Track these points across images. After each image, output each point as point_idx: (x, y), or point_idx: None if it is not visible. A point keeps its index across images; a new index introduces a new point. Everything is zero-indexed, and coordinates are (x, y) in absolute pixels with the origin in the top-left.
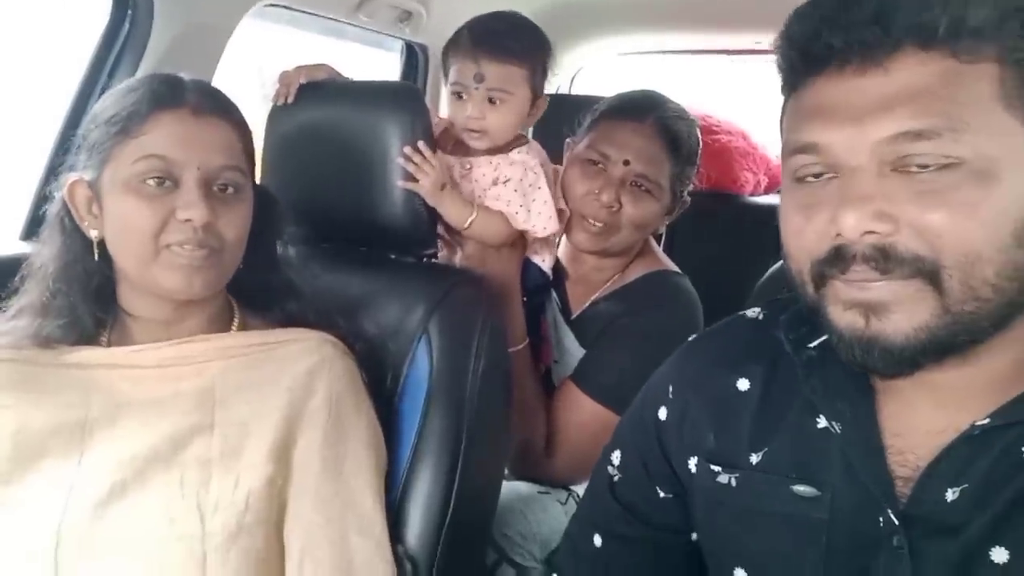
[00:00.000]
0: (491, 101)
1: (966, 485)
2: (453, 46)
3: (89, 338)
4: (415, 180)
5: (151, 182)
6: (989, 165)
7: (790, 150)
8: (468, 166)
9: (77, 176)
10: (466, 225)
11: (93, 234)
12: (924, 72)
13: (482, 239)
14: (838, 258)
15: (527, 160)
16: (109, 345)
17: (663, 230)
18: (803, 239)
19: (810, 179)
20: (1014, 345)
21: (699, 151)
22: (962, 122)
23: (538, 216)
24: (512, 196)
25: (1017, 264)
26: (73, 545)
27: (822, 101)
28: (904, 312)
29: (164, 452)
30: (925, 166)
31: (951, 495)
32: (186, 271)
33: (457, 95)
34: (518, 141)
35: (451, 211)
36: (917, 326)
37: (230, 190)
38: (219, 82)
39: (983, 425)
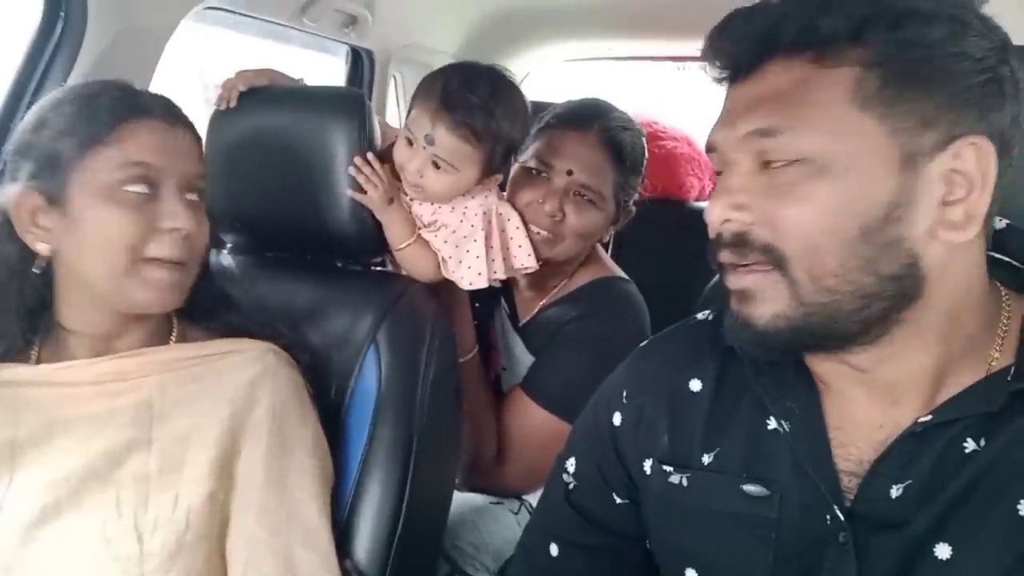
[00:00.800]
0: (435, 165)
1: (910, 481)
2: (424, 86)
3: (17, 354)
4: (363, 191)
5: (133, 190)
6: (833, 162)
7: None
8: (408, 196)
9: (23, 186)
10: (400, 247)
11: (41, 247)
12: (785, 77)
13: (409, 269)
14: (715, 246)
15: (468, 208)
16: (39, 361)
17: (608, 238)
18: (709, 231)
19: (717, 175)
20: (931, 343)
21: (644, 161)
22: (806, 121)
23: (467, 270)
24: (443, 247)
25: (866, 258)
26: (1, 570)
27: (723, 107)
28: (764, 300)
29: (100, 470)
30: (777, 162)
31: (896, 491)
32: (163, 288)
33: (408, 140)
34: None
35: (393, 229)
36: (775, 313)
37: (198, 199)
38: (158, 86)
39: (926, 422)
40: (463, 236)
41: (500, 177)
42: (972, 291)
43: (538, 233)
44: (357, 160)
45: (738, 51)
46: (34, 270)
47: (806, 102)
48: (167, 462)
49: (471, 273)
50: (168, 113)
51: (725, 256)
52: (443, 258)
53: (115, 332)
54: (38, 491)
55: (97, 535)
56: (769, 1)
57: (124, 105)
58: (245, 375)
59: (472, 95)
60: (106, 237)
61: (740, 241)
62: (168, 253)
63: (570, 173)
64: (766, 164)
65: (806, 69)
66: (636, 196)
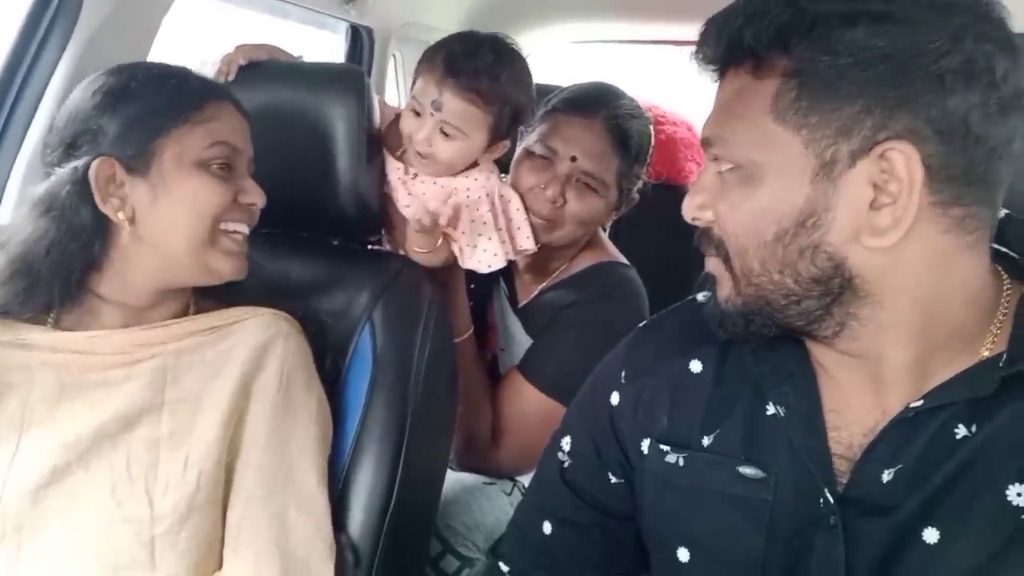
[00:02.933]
0: (444, 132)
1: (901, 466)
2: (427, 58)
3: (39, 317)
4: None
5: (218, 167)
6: (755, 170)
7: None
8: (412, 175)
9: (105, 155)
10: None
11: (120, 216)
12: (730, 87)
13: (429, 263)
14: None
15: (472, 190)
16: (57, 325)
17: (608, 224)
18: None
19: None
20: (910, 339)
21: (650, 149)
22: (731, 132)
23: (483, 253)
24: (459, 237)
25: (784, 261)
26: (10, 530)
27: None
28: (720, 286)
29: (111, 432)
30: (723, 167)
31: (886, 476)
32: (237, 257)
33: (414, 111)
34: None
35: (433, 261)
36: (725, 297)
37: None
38: (156, 59)
39: (917, 407)
40: (471, 221)
41: (507, 144)
42: (952, 286)
43: (538, 218)
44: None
45: (709, 58)
46: (113, 240)
47: (736, 113)
48: (178, 424)
49: (488, 256)
50: (236, 99)
51: (701, 245)
52: (460, 248)
53: (150, 304)
54: (49, 452)
55: (107, 496)
56: (734, 4)
57: (208, 86)
58: (257, 338)
59: (477, 59)
60: (195, 206)
61: (703, 234)
62: (243, 225)
63: (574, 160)
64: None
65: (743, 80)
66: (640, 184)
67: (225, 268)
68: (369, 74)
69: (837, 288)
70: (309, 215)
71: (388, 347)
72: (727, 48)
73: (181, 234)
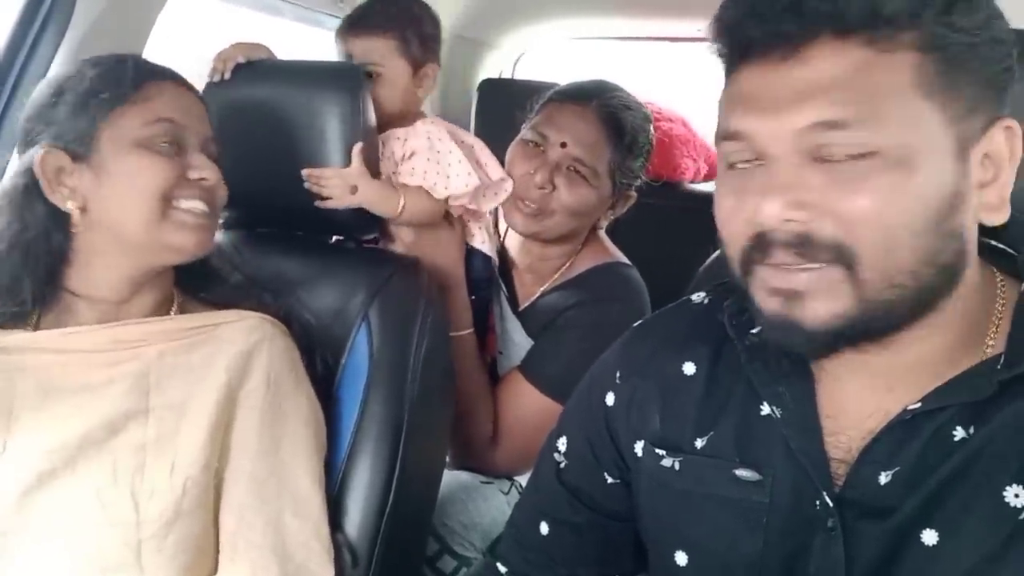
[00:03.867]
0: (369, 75)
1: (899, 468)
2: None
3: (15, 320)
4: (324, 199)
5: (163, 144)
6: (905, 153)
7: (720, 136)
8: (381, 143)
9: (50, 145)
10: (399, 211)
11: (70, 205)
12: (840, 62)
13: (415, 221)
14: (761, 245)
15: (431, 129)
16: (37, 327)
17: (604, 223)
18: (732, 226)
19: (740, 165)
20: (941, 330)
21: (648, 146)
22: (877, 112)
23: (456, 177)
24: (425, 165)
25: (932, 250)
26: None
27: (746, 89)
28: (820, 301)
29: (97, 438)
30: (842, 155)
31: (884, 478)
32: (196, 229)
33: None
34: (419, 116)
35: (379, 204)
36: (833, 313)
37: (214, 161)
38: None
39: (915, 409)
40: (436, 151)
41: (437, 68)
42: (973, 276)
43: (528, 207)
44: (305, 172)
45: (780, 26)
46: (71, 230)
47: (872, 90)
48: (163, 430)
49: (462, 179)
50: (181, 78)
51: (780, 257)
52: (431, 185)
53: (126, 297)
54: (34, 458)
55: (93, 500)
56: None
57: (145, 67)
58: (241, 344)
59: (369, 3)
60: (140, 185)
61: (803, 241)
62: (196, 203)
63: (564, 146)
64: (822, 157)
65: (863, 53)
66: (638, 182)
67: (185, 242)
68: None
69: (957, 276)
70: (305, 214)
71: (384, 346)
72: (827, 18)
73: (131, 214)
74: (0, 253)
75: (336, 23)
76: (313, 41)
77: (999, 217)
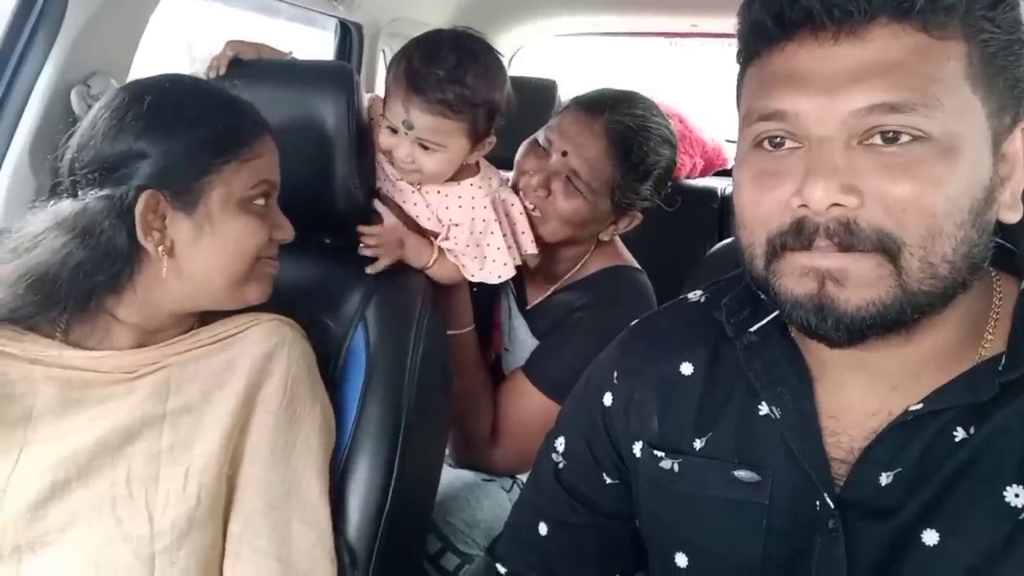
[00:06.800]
0: (423, 147)
1: (900, 469)
2: (390, 72)
3: (48, 326)
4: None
5: (258, 204)
6: (954, 142)
7: (755, 117)
8: (417, 186)
9: (153, 189)
10: (429, 265)
11: (159, 250)
12: (898, 45)
13: (436, 277)
14: (800, 231)
15: (476, 196)
16: (66, 340)
17: (608, 237)
18: (760, 210)
19: (768, 147)
20: (947, 326)
21: (659, 170)
22: (934, 98)
23: (492, 264)
24: (466, 239)
25: (970, 242)
26: (9, 548)
27: (794, 68)
28: (859, 287)
29: (111, 444)
30: (893, 140)
31: (885, 479)
32: (268, 282)
33: (390, 128)
34: (469, 170)
35: (412, 256)
36: (870, 300)
37: None
38: (144, 57)
39: (917, 411)
40: (479, 232)
41: (492, 140)
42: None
43: (533, 209)
44: (361, 229)
45: (844, 2)
46: (140, 267)
47: (930, 76)
48: (179, 437)
49: (497, 266)
50: (270, 127)
51: (822, 243)
52: (462, 264)
53: (164, 326)
54: (48, 467)
55: (108, 514)
56: None
57: (256, 120)
58: (262, 347)
59: (438, 69)
60: (240, 247)
61: (847, 229)
62: (275, 261)
63: (564, 155)
64: (871, 141)
65: (917, 38)
66: (646, 203)
67: (260, 295)
68: (359, 70)
69: (974, 274)
70: (299, 214)
71: (381, 346)
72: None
73: (221, 271)
74: (60, 273)
75: (334, 23)
76: (313, 41)
77: (1014, 216)
